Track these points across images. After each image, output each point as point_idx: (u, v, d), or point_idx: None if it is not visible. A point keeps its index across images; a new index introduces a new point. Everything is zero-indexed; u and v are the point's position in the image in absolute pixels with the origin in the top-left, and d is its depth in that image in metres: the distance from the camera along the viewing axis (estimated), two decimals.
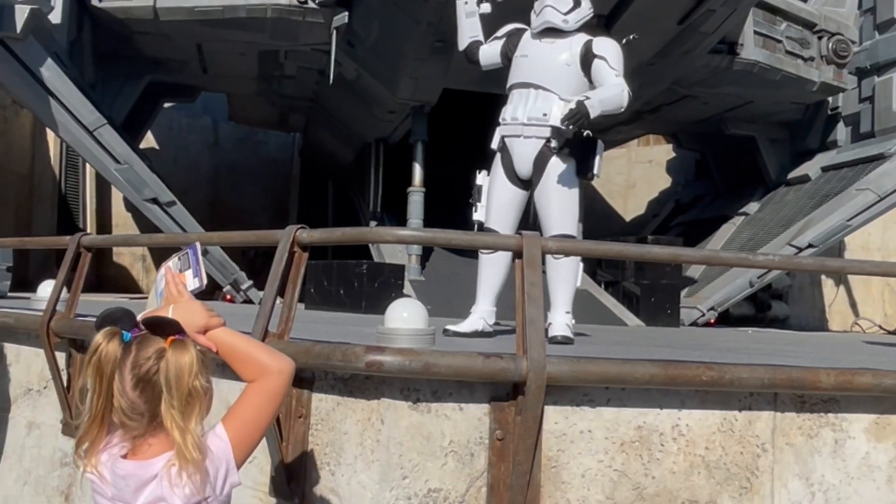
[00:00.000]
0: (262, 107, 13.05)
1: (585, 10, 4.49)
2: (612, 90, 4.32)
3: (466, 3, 4.61)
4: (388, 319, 3.04)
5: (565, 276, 4.31)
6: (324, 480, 2.97)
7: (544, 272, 3.18)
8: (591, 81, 4.41)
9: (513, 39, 4.60)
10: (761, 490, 3.03)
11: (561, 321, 4.33)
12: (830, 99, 11.44)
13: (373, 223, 11.39)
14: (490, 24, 4.77)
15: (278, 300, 3.10)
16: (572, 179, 4.40)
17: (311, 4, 8.93)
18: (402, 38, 8.63)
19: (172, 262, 1.99)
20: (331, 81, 9.31)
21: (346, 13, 8.86)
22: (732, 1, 7.93)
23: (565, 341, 4.23)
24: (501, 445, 2.86)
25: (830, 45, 10.55)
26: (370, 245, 10.47)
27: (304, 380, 3.07)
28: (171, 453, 1.68)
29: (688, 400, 3.01)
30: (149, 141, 14.01)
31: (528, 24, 4.63)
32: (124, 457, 1.73)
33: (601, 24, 8.19)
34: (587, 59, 4.37)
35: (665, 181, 15.66)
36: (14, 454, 4.53)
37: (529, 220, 4.57)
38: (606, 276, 10.29)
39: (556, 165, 4.43)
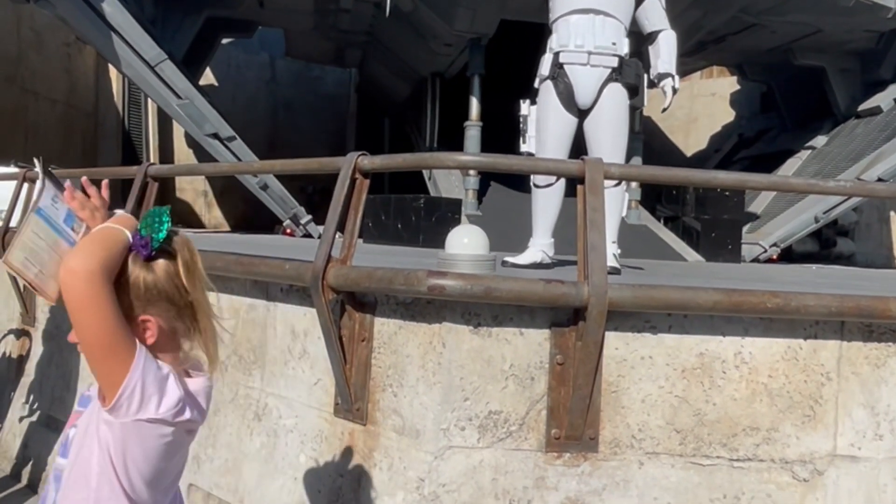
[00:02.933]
0: (318, 42, 12.99)
1: None
2: (671, 42, 4.54)
3: None
4: (450, 245, 3.06)
5: (612, 205, 4.26)
6: (387, 401, 3.05)
7: None
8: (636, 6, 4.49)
9: None
10: (825, 418, 3.01)
11: (609, 250, 4.30)
12: None
13: None
14: None
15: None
16: (626, 109, 4.38)
17: None
18: None
19: (51, 189, 1.73)
20: (387, 14, 9.20)
21: None
22: None
23: (613, 271, 4.22)
24: (561, 370, 2.88)
25: None
26: (427, 181, 10.48)
27: (367, 304, 3.13)
28: None
29: (751, 328, 2.98)
30: (207, 78, 14.12)
31: None
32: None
33: None
34: None
35: (728, 115, 15.22)
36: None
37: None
38: (666, 211, 10.13)
39: (613, 93, 4.37)
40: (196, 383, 1.67)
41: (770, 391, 2.98)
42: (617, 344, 2.93)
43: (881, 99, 11.18)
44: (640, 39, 4.69)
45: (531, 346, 2.90)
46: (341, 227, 3.15)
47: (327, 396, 3.25)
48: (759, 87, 13.96)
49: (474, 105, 9.74)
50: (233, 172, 7.28)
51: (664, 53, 4.51)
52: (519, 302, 2.79)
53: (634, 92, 4.45)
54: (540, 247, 4.47)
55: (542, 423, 2.90)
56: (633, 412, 2.94)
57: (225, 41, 13.48)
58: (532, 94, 4.60)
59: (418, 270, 2.77)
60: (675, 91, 4.50)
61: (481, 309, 2.87)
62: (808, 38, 11.06)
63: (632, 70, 4.37)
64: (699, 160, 14.75)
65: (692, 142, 15.72)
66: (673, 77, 4.49)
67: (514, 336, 2.90)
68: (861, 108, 11.46)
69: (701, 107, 15.88)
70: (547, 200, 4.34)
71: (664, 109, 4.65)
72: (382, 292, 3.02)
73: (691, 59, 12.54)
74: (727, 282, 4.47)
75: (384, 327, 3.09)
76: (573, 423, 2.86)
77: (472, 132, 9.67)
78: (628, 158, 9.96)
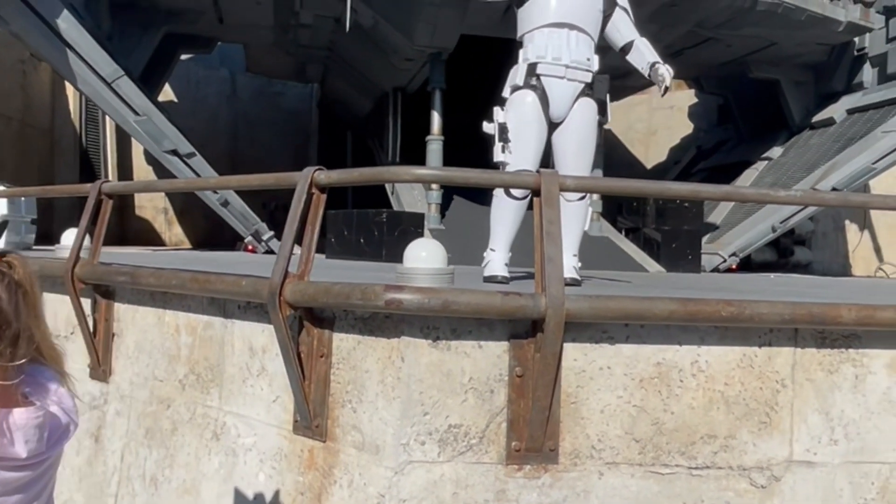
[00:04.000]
0: (279, 57, 12.94)
1: None
2: (649, 44, 4.58)
3: None
4: (408, 259, 3.05)
5: (575, 219, 4.29)
6: (346, 417, 3.02)
7: None
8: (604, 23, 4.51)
9: None
10: (780, 425, 3.05)
11: (568, 263, 4.32)
12: (857, 39, 11.13)
13: None
14: None
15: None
16: (595, 124, 4.41)
17: None
18: None
19: None
20: (347, 29, 9.20)
21: None
22: None
23: (573, 283, 4.24)
24: (521, 382, 2.89)
25: None
26: (389, 195, 10.48)
27: (325, 320, 3.10)
28: None
29: (707, 336, 3.01)
30: (167, 94, 14.01)
31: None
32: None
33: None
34: (608, 6, 4.47)
35: (687, 127, 15.45)
36: None
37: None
38: (627, 222, 10.24)
39: (584, 107, 4.40)
40: (21, 415, 1.52)
41: (727, 399, 3.01)
42: (575, 355, 2.94)
43: (834, 110, 11.43)
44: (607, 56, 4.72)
45: (490, 358, 2.90)
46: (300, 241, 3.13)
47: (286, 414, 3.22)
48: (717, 100, 14.20)
49: (435, 119, 9.78)
50: (189, 189, 7.22)
51: (646, 49, 4.55)
52: (477, 315, 2.79)
53: (603, 108, 4.48)
54: (503, 260, 4.46)
55: (503, 436, 2.90)
56: (592, 423, 2.95)
57: (184, 57, 13.39)
58: (501, 104, 4.55)
59: (376, 285, 2.76)
60: (670, 73, 4.48)
61: (440, 322, 2.86)
62: (762, 52, 11.29)
63: (603, 86, 4.41)
64: (659, 172, 14.95)
65: (652, 154, 15.92)
66: (662, 63, 4.49)
67: (473, 349, 2.89)
68: (815, 119, 11.71)
69: (660, 119, 16.10)
70: (517, 212, 4.29)
71: (664, 92, 4.58)
72: (340, 307, 3.00)
73: None
74: (686, 291, 4.51)
75: (343, 343, 3.07)
76: (533, 435, 2.86)
77: (434, 146, 9.70)
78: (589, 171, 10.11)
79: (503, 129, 4.26)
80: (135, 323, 4.01)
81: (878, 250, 13.81)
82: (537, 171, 2.94)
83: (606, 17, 4.49)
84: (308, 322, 3.10)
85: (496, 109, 4.36)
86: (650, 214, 9.85)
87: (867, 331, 3.07)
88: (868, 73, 11.26)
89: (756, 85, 12.16)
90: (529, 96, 4.35)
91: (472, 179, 2.91)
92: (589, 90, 4.35)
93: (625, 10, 4.52)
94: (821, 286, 6.69)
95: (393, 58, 10.48)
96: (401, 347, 2.88)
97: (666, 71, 4.41)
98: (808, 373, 3.08)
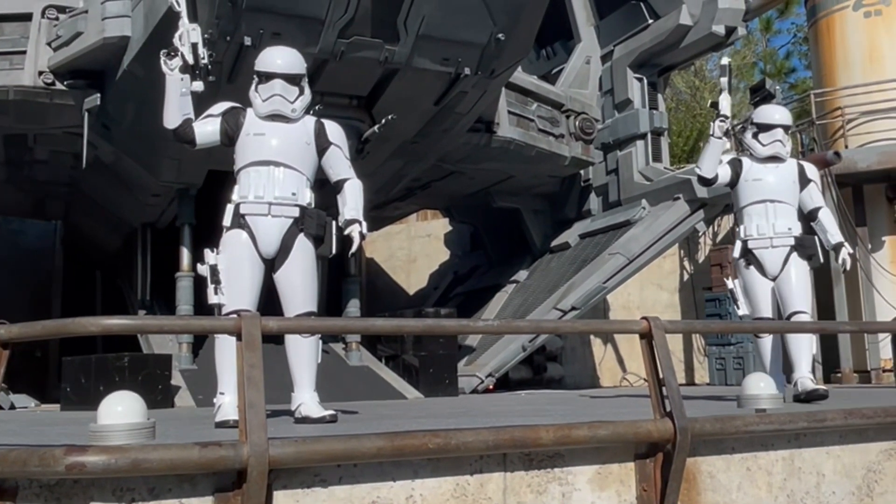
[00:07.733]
0: (12, 194, 12.07)
1: (308, 97, 4.65)
2: (356, 190, 4.70)
3: (182, 79, 4.39)
4: (101, 416, 2.83)
5: (310, 353, 4.29)
6: None
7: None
8: (319, 158, 4.64)
9: (232, 118, 4.54)
10: None
11: (313, 400, 4.29)
12: (582, 172, 12.45)
13: (142, 312, 10.81)
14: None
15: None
16: (314, 258, 4.48)
17: (58, 86, 8.48)
18: (160, 120, 8.38)
19: None
20: (84, 165, 8.84)
21: (98, 95, 8.51)
22: (481, 84, 8.44)
23: (333, 420, 4.19)
24: None
25: (577, 123, 11.54)
26: (139, 336, 9.90)
27: (8, 490, 2.77)
28: None
29: (420, 469, 3.03)
30: None
31: (237, 101, 4.66)
32: None
33: (361, 104, 8.47)
34: (321, 142, 4.62)
35: (444, 254, 16.20)
36: None
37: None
38: (386, 350, 10.35)
39: (302, 244, 4.46)
40: None
41: None
42: (287, 503, 2.84)
43: (569, 235, 12.55)
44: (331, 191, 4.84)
45: None
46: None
47: None
48: (469, 228, 15.07)
49: (185, 255, 9.49)
50: None
51: (350, 201, 4.67)
52: (173, 471, 2.62)
53: (320, 241, 4.55)
54: (235, 402, 4.30)
55: None
56: None
57: None
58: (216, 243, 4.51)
59: (55, 448, 2.53)
60: (362, 236, 4.60)
61: (135, 483, 2.66)
62: (502, 183, 12.25)
63: (313, 221, 4.49)
64: (422, 297, 15.44)
65: (413, 280, 16.44)
66: (360, 223, 4.60)
67: None
68: (553, 244, 12.76)
69: (419, 247, 16.77)
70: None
71: (351, 254, 4.76)
72: (22, 476, 2.70)
73: (403, 203, 13.34)
74: (425, 419, 4.57)
75: None
76: None
77: (184, 283, 9.38)
78: (346, 300, 10.22)
79: (214, 270, 4.22)
80: None
81: (621, 361, 14.98)
82: (238, 315, 2.89)
83: (321, 150, 4.61)
84: None
85: (206, 251, 4.34)
86: (408, 341, 10.03)
87: (569, 449, 3.24)
88: (594, 202, 12.57)
89: (501, 213, 13.09)
90: (237, 236, 4.40)
91: (167, 327, 2.81)
92: (301, 225, 4.43)
93: (338, 146, 4.66)
94: (560, 402, 7.07)
95: (139, 194, 10.17)
96: None
97: (357, 234, 4.52)
98: (518, 496, 3.18)
